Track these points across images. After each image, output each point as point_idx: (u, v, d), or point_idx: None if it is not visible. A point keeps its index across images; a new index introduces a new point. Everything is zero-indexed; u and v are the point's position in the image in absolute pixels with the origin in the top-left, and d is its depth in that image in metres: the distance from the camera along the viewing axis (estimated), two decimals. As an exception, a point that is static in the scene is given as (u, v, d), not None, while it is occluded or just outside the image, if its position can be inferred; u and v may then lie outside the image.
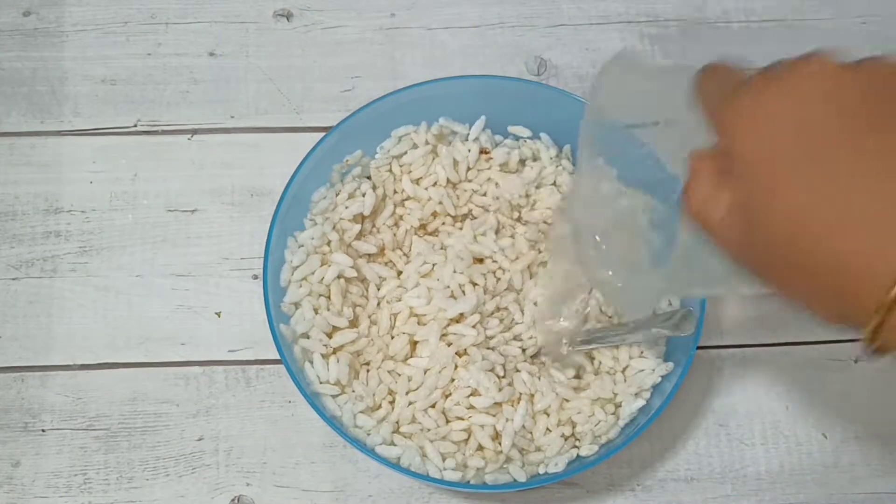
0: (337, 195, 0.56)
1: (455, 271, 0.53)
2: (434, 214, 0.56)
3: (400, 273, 0.55)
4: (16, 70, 0.65)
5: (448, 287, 0.53)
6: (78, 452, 0.55)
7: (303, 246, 0.54)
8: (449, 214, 0.56)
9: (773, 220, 0.30)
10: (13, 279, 0.59)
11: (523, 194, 0.56)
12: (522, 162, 0.57)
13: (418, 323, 0.53)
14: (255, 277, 0.60)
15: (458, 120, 0.58)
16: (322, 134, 0.55)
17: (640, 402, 0.51)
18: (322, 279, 0.53)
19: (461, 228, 0.56)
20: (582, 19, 0.67)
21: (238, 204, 0.62)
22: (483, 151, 0.58)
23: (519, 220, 0.57)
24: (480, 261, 0.55)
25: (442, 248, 0.55)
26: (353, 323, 0.54)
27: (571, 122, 0.56)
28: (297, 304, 0.53)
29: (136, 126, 0.64)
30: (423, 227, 0.57)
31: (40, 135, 0.63)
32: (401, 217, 0.57)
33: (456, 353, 0.52)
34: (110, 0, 0.67)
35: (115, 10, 0.67)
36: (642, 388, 0.52)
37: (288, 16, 0.67)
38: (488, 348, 0.52)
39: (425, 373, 0.52)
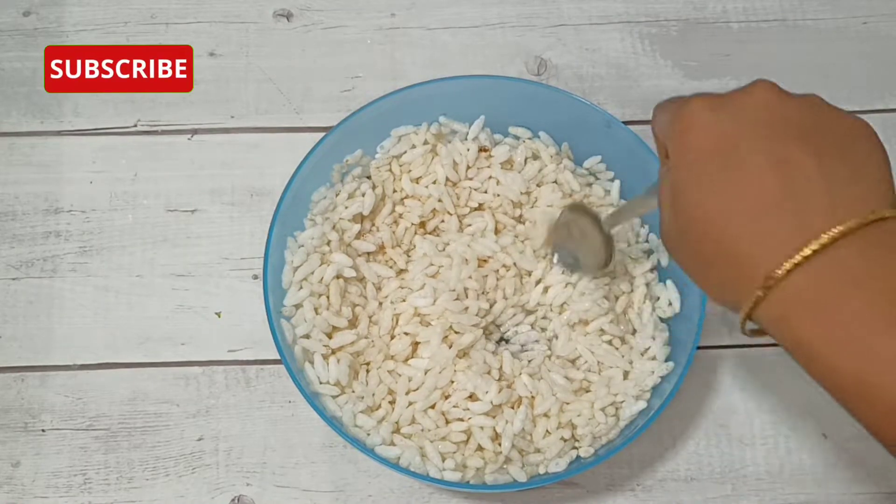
0: (337, 195, 0.56)
1: (461, 275, 0.53)
2: (434, 212, 0.56)
3: (400, 272, 0.55)
4: (16, 70, 0.65)
5: (454, 290, 0.53)
6: (78, 452, 0.55)
7: (303, 246, 0.54)
8: (448, 212, 0.56)
9: (684, 211, 0.36)
10: (13, 279, 0.59)
11: (525, 191, 0.56)
12: (524, 160, 0.57)
13: (420, 323, 0.53)
14: (255, 277, 0.60)
15: (458, 120, 0.58)
16: (322, 134, 0.55)
17: (642, 405, 0.51)
18: (321, 279, 0.53)
19: (461, 228, 0.56)
20: (582, 19, 0.67)
21: (238, 204, 0.62)
22: (483, 150, 0.58)
23: (520, 218, 0.57)
24: (484, 261, 0.55)
25: (444, 249, 0.55)
26: (353, 323, 0.54)
27: (571, 122, 0.57)
28: (297, 306, 0.53)
29: (136, 126, 0.64)
30: (422, 224, 0.57)
31: (40, 135, 0.63)
32: (400, 215, 0.57)
33: (456, 356, 0.52)
34: (110, 0, 0.67)
35: (115, 10, 0.67)
36: (643, 390, 0.52)
37: (288, 16, 0.67)
38: (487, 350, 0.52)
39: (425, 373, 0.52)
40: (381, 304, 0.54)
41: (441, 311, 0.52)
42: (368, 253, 0.55)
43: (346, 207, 0.55)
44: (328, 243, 0.55)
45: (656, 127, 0.40)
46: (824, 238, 0.32)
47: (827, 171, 0.34)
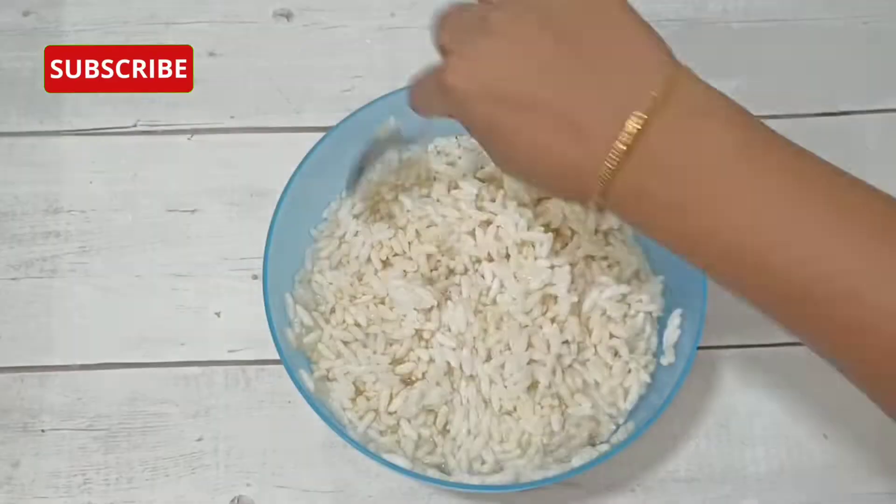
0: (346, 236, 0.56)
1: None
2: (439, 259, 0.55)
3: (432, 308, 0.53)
4: (16, 70, 0.65)
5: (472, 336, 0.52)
6: (77, 453, 0.55)
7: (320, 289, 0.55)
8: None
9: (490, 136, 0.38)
10: (13, 279, 0.59)
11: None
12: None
13: (426, 347, 0.53)
14: (255, 277, 0.60)
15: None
16: (322, 134, 0.55)
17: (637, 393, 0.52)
18: (343, 321, 0.54)
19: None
20: (582, 19, 0.67)
21: (238, 204, 0.62)
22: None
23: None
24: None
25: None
26: (360, 335, 0.54)
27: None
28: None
29: (135, 126, 0.64)
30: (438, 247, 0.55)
31: (40, 135, 0.63)
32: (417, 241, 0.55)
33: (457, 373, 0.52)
34: (110, 0, 0.67)
35: (115, 10, 0.67)
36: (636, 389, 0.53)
37: (288, 16, 0.67)
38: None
39: (426, 390, 0.52)
40: (397, 322, 0.53)
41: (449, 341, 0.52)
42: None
43: (371, 245, 0.55)
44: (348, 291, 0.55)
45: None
46: (622, 144, 0.34)
47: (588, 65, 0.36)
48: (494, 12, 0.37)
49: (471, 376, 0.52)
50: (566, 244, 0.55)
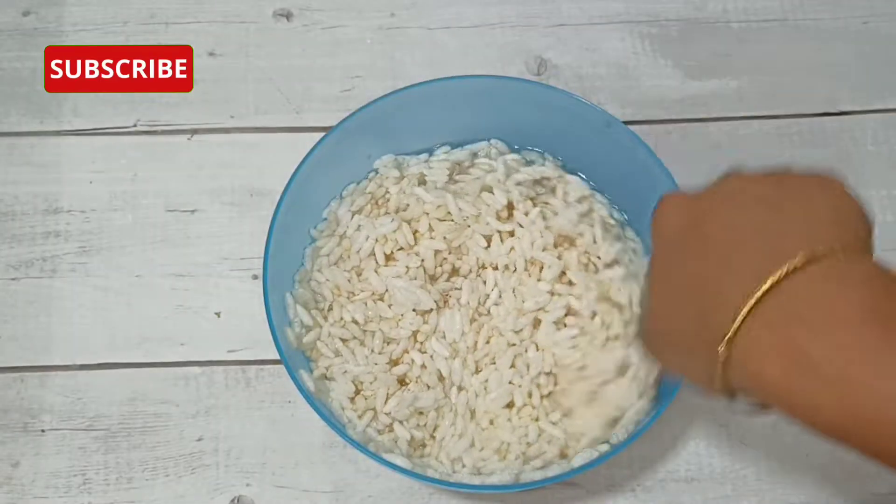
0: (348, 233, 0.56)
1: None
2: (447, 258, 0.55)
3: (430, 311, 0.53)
4: (16, 70, 0.65)
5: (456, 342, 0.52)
6: (77, 453, 0.55)
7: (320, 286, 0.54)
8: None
9: (651, 292, 0.41)
10: (13, 279, 0.59)
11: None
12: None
13: (421, 350, 0.53)
14: (255, 277, 0.60)
15: (457, 120, 0.58)
16: (322, 134, 0.55)
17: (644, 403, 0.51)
18: (341, 318, 0.54)
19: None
20: (582, 19, 0.67)
21: (238, 204, 0.62)
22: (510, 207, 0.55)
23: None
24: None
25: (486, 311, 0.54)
26: (362, 340, 0.54)
27: (571, 122, 0.57)
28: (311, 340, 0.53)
29: (135, 126, 0.64)
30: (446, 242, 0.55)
31: (40, 135, 0.63)
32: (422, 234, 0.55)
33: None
34: (110, 0, 0.67)
35: (115, 10, 0.67)
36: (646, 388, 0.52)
37: (288, 16, 0.67)
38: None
39: (419, 393, 0.52)
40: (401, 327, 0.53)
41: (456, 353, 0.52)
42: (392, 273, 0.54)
43: (376, 240, 0.54)
44: (345, 287, 0.54)
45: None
46: (764, 285, 0.34)
47: (778, 223, 0.36)
48: (743, 172, 0.39)
49: (460, 386, 0.52)
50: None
